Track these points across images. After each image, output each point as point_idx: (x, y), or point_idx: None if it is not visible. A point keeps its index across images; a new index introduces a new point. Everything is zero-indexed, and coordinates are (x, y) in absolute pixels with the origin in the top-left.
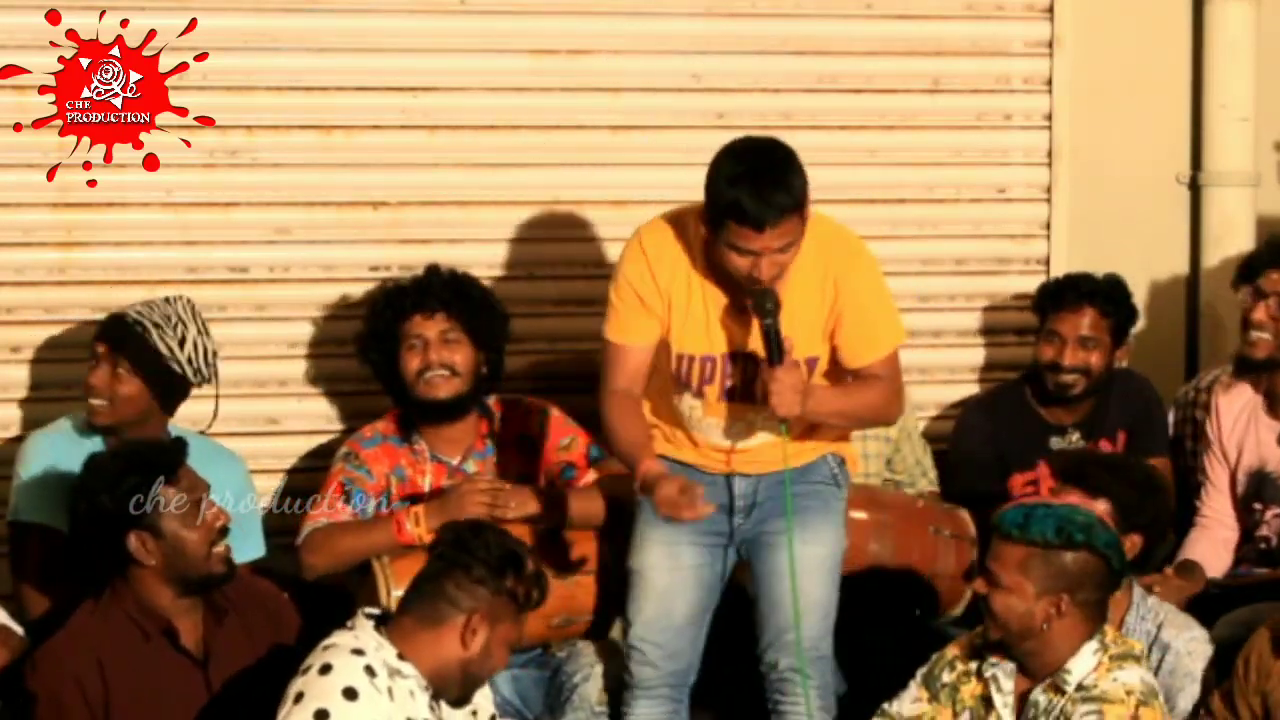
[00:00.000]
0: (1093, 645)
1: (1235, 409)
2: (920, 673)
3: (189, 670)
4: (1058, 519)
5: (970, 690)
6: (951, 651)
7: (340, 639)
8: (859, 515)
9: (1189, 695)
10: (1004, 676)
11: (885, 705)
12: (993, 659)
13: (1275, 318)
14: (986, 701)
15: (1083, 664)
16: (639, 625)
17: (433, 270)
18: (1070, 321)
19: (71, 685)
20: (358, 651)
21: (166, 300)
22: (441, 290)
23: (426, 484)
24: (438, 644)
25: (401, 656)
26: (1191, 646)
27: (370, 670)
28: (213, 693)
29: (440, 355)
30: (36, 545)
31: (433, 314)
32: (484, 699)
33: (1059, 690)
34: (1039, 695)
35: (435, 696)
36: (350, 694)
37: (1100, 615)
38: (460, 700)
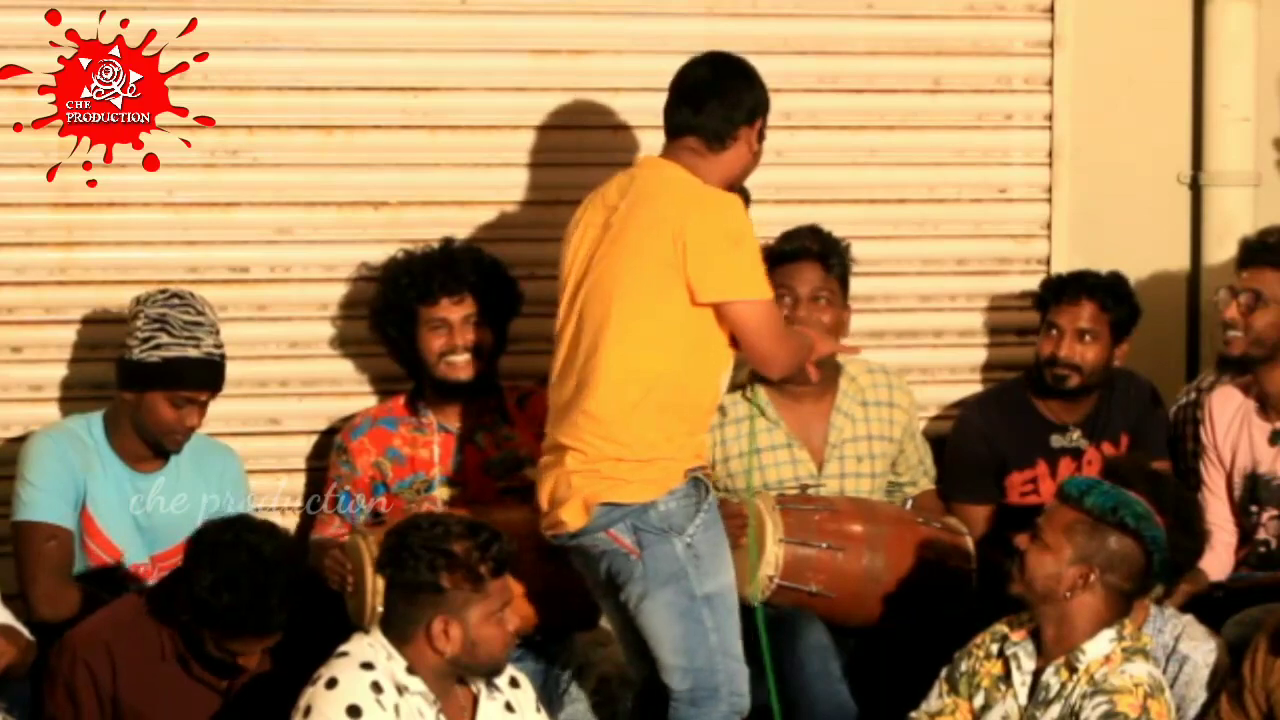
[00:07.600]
0: (1110, 633)
1: (1228, 413)
2: (944, 671)
3: (205, 692)
4: (1117, 498)
5: (988, 670)
6: (973, 642)
7: (354, 647)
8: (855, 528)
9: (1202, 706)
10: (1025, 656)
11: (912, 713)
12: (1015, 638)
13: (1245, 315)
14: (1002, 682)
15: (1098, 649)
16: (733, 644)
17: (452, 247)
18: (1069, 314)
19: (83, 671)
20: (367, 665)
21: (175, 297)
22: (468, 273)
23: (435, 454)
24: (421, 655)
25: (411, 670)
26: (1209, 659)
27: (377, 686)
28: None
29: (465, 339)
30: (46, 543)
31: (460, 298)
32: (526, 698)
33: (1071, 669)
34: (1050, 677)
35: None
36: (354, 712)
37: (1124, 608)
38: (490, 673)
